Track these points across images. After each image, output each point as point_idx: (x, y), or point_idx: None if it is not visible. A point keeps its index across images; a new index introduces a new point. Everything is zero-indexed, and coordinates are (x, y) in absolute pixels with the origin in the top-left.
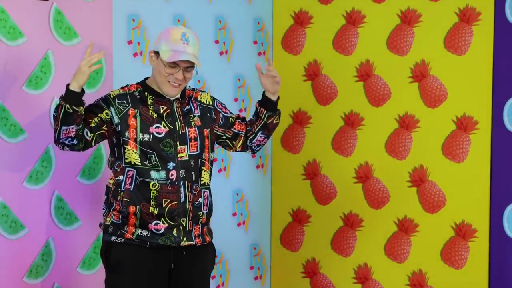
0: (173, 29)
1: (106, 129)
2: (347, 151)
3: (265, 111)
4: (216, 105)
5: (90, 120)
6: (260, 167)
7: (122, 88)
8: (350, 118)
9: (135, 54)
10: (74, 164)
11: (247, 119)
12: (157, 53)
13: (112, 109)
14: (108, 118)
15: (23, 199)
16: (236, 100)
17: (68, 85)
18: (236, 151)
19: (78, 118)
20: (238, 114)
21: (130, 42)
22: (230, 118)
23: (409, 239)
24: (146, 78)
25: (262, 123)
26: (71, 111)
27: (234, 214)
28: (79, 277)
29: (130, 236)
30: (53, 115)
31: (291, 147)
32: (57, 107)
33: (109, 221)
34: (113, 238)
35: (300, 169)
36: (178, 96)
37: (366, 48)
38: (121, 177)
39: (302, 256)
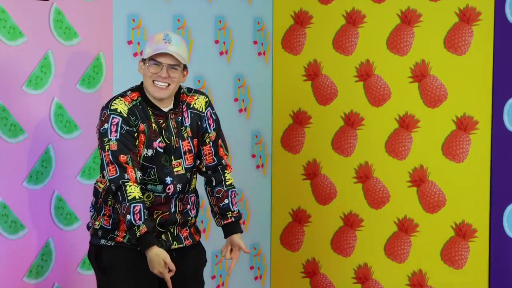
0: (157, 33)
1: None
2: (347, 151)
3: (221, 226)
4: (207, 114)
5: (138, 159)
6: (260, 167)
7: (123, 97)
8: (350, 118)
9: (135, 54)
10: (74, 164)
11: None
12: (144, 60)
13: (133, 128)
14: (137, 142)
15: (23, 199)
16: (236, 100)
17: (146, 243)
18: None
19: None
20: (218, 134)
21: (130, 42)
22: (206, 134)
23: (409, 239)
24: (141, 83)
25: (213, 213)
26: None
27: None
28: (79, 277)
29: (121, 239)
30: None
31: (291, 147)
32: (130, 228)
33: (98, 225)
34: (103, 241)
35: (300, 169)
36: (171, 106)
37: (366, 48)
38: None
39: (302, 256)
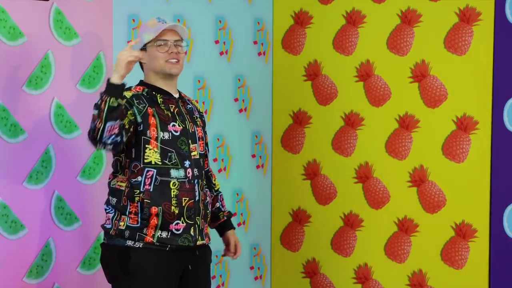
0: (148, 21)
1: (132, 129)
2: (347, 151)
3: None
4: (203, 117)
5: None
6: (260, 167)
7: (129, 89)
8: (350, 118)
9: None
10: (74, 164)
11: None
12: (144, 49)
13: (134, 108)
14: (133, 118)
15: (23, 199)
16: (236, 100)
17: (108, 79)
18: None
19: (122, 112)
20: (207, 145)
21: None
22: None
23: (409, 239)
24: (141, 81)
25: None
26: (116, 105)
27: (234, 214)
28: (79, 277)
29: (150, 239)
30: (94, 114)
31: (291, 147)
32: (98, 105)
33: (124, 225)
34: (129, 242)
35: (300, 169)
36: (178, 95)
37: (366, 48)
38: (139, 178)
39: (302, 256)
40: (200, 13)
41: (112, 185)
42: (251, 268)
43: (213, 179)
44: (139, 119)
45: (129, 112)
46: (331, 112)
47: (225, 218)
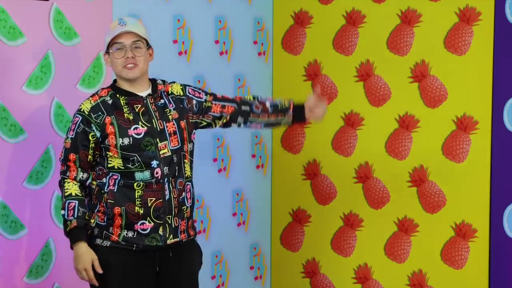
0: (112, 22)
1: (98, 148)
2: (347, 151)
3: (292, 118)
4: (188, 92)
5: (89, 159)
6: (260, 167)
7: (92, 97)
8: (350, 118)
9: None
10: None
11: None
12: (107, 52)
13: (93, 126)
14: (95, 139)
15: (23, 199)
16: None
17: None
18: (216, 127)
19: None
20: (213, 94)
21: None
22: (204, 104)
23: (409, 239)
24: (114, 81)
25: (276, 121)
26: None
27: (234, 214)
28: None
29: (116, 238)
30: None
31: (291, 147)
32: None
33: (94, 222)
34: (98, 241)
35: (300, 169)
36: (150, 91)
37: (366, 48)
38: (104, 179)
39: (302, 256)
40: (200, 13)
41: (88, 183)
42: (251, 268)
43: (247, 98)
44: (98, 134)
45: (90, 135)
46: (331, 112)
47: (286, 104)
